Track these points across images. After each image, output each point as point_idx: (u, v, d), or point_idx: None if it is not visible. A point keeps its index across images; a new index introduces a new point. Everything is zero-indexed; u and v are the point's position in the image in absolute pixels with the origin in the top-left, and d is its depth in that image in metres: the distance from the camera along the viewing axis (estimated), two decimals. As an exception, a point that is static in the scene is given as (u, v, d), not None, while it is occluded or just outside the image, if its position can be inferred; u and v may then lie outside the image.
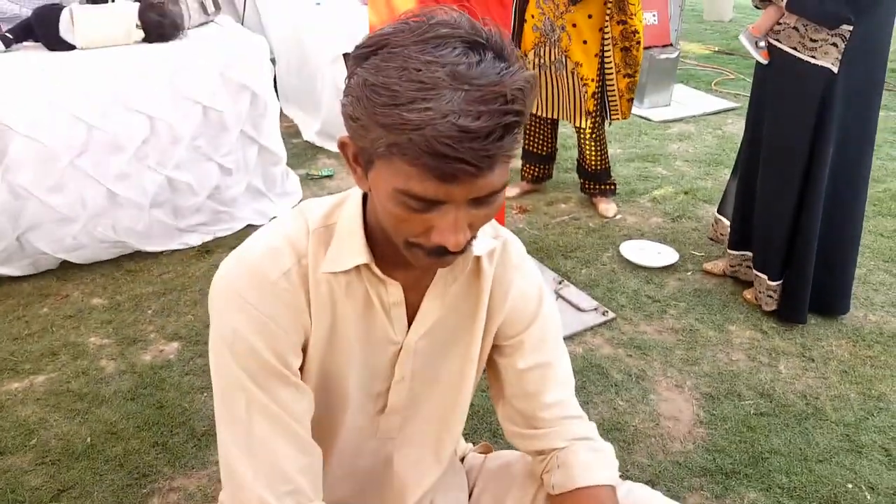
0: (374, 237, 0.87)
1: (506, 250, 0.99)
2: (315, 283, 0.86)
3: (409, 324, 0.93)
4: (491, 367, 1.05)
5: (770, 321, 2.50)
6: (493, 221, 0.93)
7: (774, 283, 2.46)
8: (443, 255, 0.77)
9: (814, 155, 2.28)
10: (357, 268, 0.87)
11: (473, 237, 0.79)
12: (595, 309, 2.56)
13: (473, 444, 1.27)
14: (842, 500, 1.75)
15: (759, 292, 2.53)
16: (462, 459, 1.19)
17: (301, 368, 0.89)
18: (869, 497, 1.76)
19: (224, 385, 0.86)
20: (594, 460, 0.98)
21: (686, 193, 3.56)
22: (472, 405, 1.07)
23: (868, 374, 2.23)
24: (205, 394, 2.14)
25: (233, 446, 0.85)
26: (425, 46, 0.68)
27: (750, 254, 2.59)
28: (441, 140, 0.66)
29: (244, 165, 3.15)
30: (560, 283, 2.69)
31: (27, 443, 1.95)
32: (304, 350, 0.89)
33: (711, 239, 2.90)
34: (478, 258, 0.94)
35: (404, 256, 0.81)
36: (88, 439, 1.96)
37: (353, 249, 0.86)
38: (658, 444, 1.95)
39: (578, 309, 2.54)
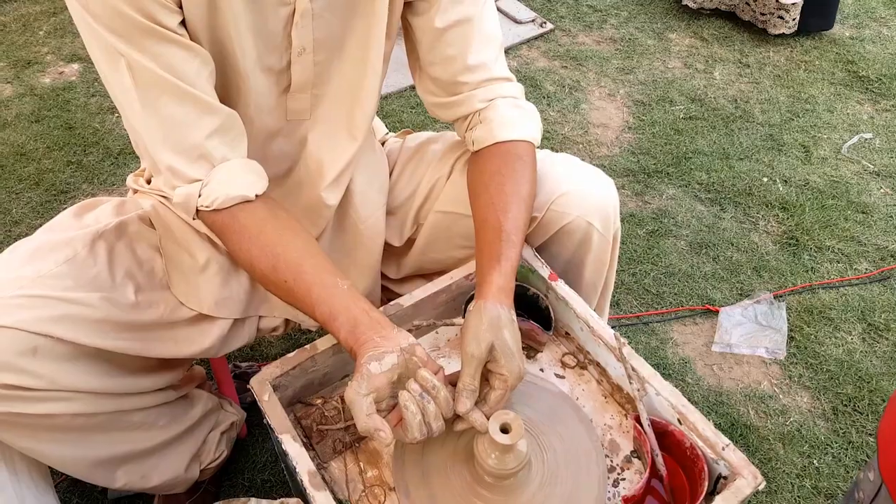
0: None
1: None
2: None
3: None
4: (406, 32, 0.97)
5: (710, 28, 2.45)
6: None
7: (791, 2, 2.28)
8: None
9: None
10: None
11: None
12: (533, 20, 2.44)
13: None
14: (755, 192, 1.87)
15: (763, 14, 2.34)
16: (383, 144, 1.17)
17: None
18: (781, 188, 1.89)
19: (99, 53, 0.77)
20: (517, 116, 0.95)
21: None
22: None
23: (801, 77, 2.26)
24: (115, 114, 2.04)
25: (131, 116, 0.79)
26: None
27: None
28: None
29: None
30: (497, -7, 2.53)
31: (-72, 167, 1.86)
32: (181, 8, 0.78)
33: None
34: None
35: None
36: (-4, 160, 1.88)
37: None
38: (585, 150, 2.00)
39: (515, 21, 2.42)
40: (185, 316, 0.95)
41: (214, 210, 0.82)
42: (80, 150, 1.92)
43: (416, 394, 0.74)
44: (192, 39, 0.79)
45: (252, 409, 1.29)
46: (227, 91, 0.86)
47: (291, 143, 0.96)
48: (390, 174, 1.11)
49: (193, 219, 0.84)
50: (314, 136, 0.97)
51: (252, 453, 1.30)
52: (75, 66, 2.21)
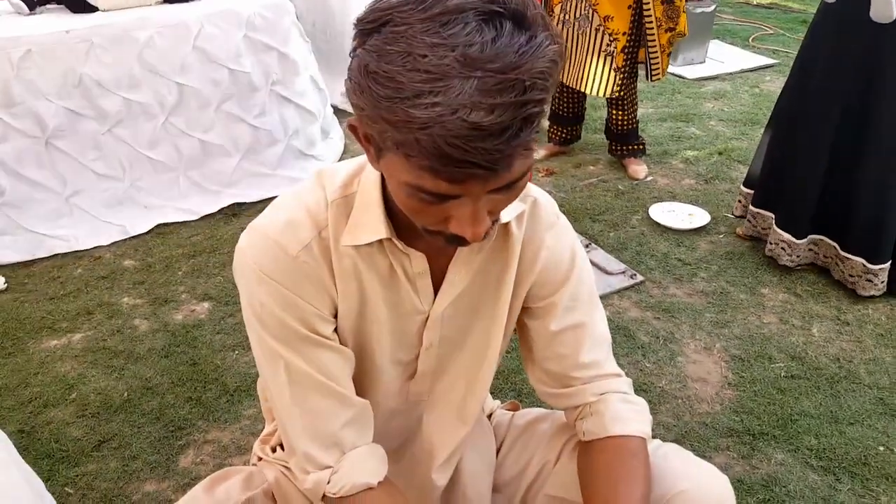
0: (395, 208, 0.83)
1: (535, 210, 0.96)
2: (337, 255, 0.87)
3: (436, 291, 0.93)
4: (521, 330, 1.05)
5: (804, 284, 2.49)
6: None
7: (876, 267, 2.32)
8: (464, 243, 0.74)
9: None
10: (380, 241, 0.86)
11: (496, 220, 0.77)
12: (623, 272, 2.57)
13: (500, 402, 1.31)
14: (872, 462, 1.77)
15: (852, 276, 2.38)
16: (490, 416, 1.22)
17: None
18: (900, 459, 1.78)
19: (261, 353, 0.90)
20: (627, 411, 0.99)
21: (720, 154, 3.52)
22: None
23: (905, 337, 2.23)
24: (236, 352, 2.22)
25: (280, 407, 0.91)
26: (432, 25, 0.60)
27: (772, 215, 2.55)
28: (450, 140, 0.60)
29: (280, 125, 3.20)
30: (587, 246, 2.70)
31: (67, 397, 2.06)
32: (335, 318, 0.92)
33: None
34: (505, 223, 0.92)
35: None
36: (125, 394, 2.06)
37: (371, 223, 0.84)
38: (685, 406, 1.99)
39: (606, 272, 2.56)
40: None
41: (341, 497, 0.89)
42: (200, 387, 2.08)
43: None
44: (339, 342, 0.92)
45: None
46: (361, 380, 0.97)
47: (409, 421, 1.05)
48: (498, 449, 1.16)
49: (320, 502, 0.92)
50: (429, 417, 1.05)
51: None
52: (206, 304, 2.47)
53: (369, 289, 0.90)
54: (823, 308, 2.38)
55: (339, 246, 0.87)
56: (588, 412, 1.01)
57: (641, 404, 1.02)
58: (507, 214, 0.90)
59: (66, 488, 1.74)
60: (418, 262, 0.90)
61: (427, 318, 0.95)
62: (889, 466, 1.75)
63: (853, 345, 2.21)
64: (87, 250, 2.82)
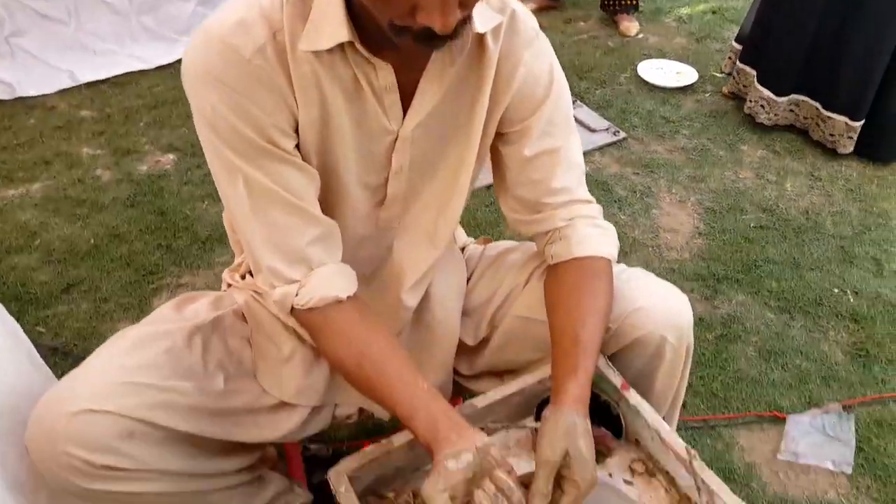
0: (358, 9, 0.79)
1: (514, 24, 0.92)
2: (295, 62, 0.82)
3: (405, 110, 0.90)
4: (494, 157, 1.05)
5: (783, 142, 2.53)
6: None
7: (857, 123, 2.37)
8: (432, 39, 0.72)
9: None
10: (341, 47, 0.82)
11: (468, 16, 0.75)
12: (606, 129, 2.57)
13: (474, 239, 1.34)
14: (826, 303, 1.88)
15: (832, 135, 2.42)
16: (462, 250, 1.25)
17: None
18: (852, 300, 1.89)
19: (219, 166, 0.88)
20: (595, 234, 1.02)
21: (714, 13, 3.44)
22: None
23: (873, 192, 2.30)
24: (206, 202, 2.22)
25: (242, 222, 0.90)
26: None
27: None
28: None
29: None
30: (573, 103, 2.67)
31: (31, 243, 2.06)
32: (297, 133, 0.89)
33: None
34: (480, 35, 0.88)
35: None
36: (91, 241, 2.07)
37: (332, 25, 0.79)
38: (654, 253, 2.06)
39: (589, 129, 2.55)
40: (267, 403, 1.05)
41: (309, 309, 0.91)
42: (170, 235, 2.10)
43: (491, 493, 0.79)
44: (303, 159, 0.90)
45: (318, 491, 1.34)
46: (328, 202, 0.96)
47: (379, 248, 1.07)
48: (469, 279, 1.20)
49: (288, 316, 0.94)
50: (399, 243, 1.07)
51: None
52: (171, 155, 2.44)
53: (332, 102, 0.86)
54: (799, 165, 2.43)
55: (296, 51, 0.82)
56: (557, 237, 1.03)
57: (609, 229, 1.05)
58: (482, 23, 0.86)
59: (38, 328, 1.79)
60: (385, 75, 0.85)
61: (396, 140, 0.93)
62: (840, 306, 1.87)
63: (823, 198, 2.28)
64: (37, 99, 2.73)
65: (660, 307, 1.00)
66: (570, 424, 0.84)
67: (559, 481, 0.85)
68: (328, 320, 0.92)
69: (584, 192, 1.05)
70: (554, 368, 0.93)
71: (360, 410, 1.15)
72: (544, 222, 1.03)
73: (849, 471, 1.47)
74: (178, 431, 0.91)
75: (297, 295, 0.91)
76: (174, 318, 1.03)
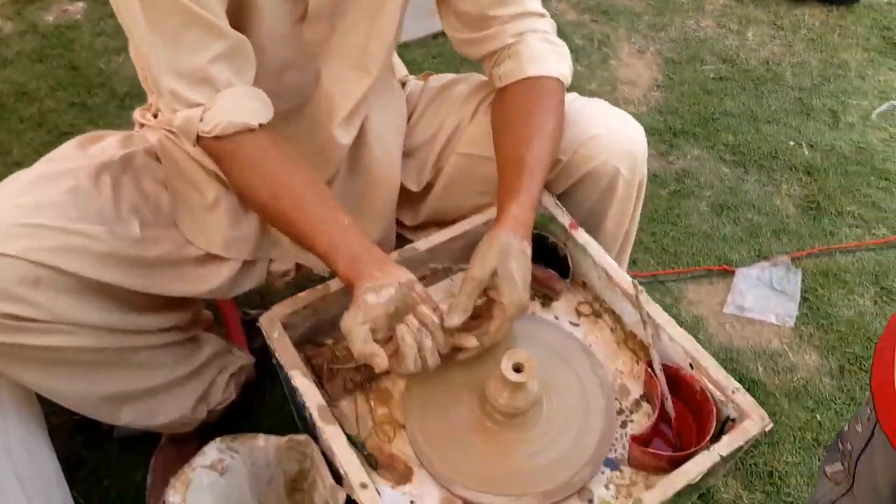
0: None
1: None
2: None
3: None
4: None
5: (747, -12, 2.44)
6: None
7: None
8: None
9: None
10: None
11: None
12: (561, -28, 2.42)
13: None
14: (780, 156, 1.88)
15: None
16: (404, 86, 1.16)
17: None
18: (807, 153, 1.90)
19: None
20: (547, 52, 0.96)
21: None
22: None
23: (834, 42, 2.26)
24: (122, 55, 2.05)
25: (138, 38, 0.80)
26: None
27: None
28: None
29: None
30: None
31: (-75, 104, 1.89)
32: None
33: None
34: None
35: None
36: (-3, 99, 1.91)
37: None
38: (610, 107, 2.01)
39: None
40: (192, 254, 0.98)
41: (216, 137, 0.83)
42: (84, 91, 1.95)
43: (415, 328, 0.78)
44: None
45: (261, 356, 1.33)
46: (240, 17, 0.86)
47: (305, 77, 0.97)
48: (410, 116, 1.12)
49: (194, 145, 0.85)
50: (328, 70, 0.97)
51: (259, 398, 1.35)
52: (80, 3, 2.23)
53: None
54: (761, 13, 2.36)
55: None
56: (506, 55, 0.96)
57: (562, 47, 0.98)
58: None
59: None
60: None
61: None
62: (795, 159, 1.88)
63: (784, 48, 2.23)
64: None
65: (615, 136, 0.96)
66: (505, 244, 0.82)
67: (489, 307, 0.84)
68: (239, 148, 0.84)
69: (535, 3, 0.97)
70: (498, 193, 0.90)
71: (298, 267, 1.10)
72: (492, 40, 0.96)
73: (791, 324, 1.52)
74: (91, 280, 0.85)
75: (201, 120, 0.82)
76: (77, 156, 0.94)
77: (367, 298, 0.77)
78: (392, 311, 0.78)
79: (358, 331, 0.76)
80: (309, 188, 0.84)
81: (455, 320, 0.81)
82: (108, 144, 0.98)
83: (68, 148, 0.96)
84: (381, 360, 0.75)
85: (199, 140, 0.84)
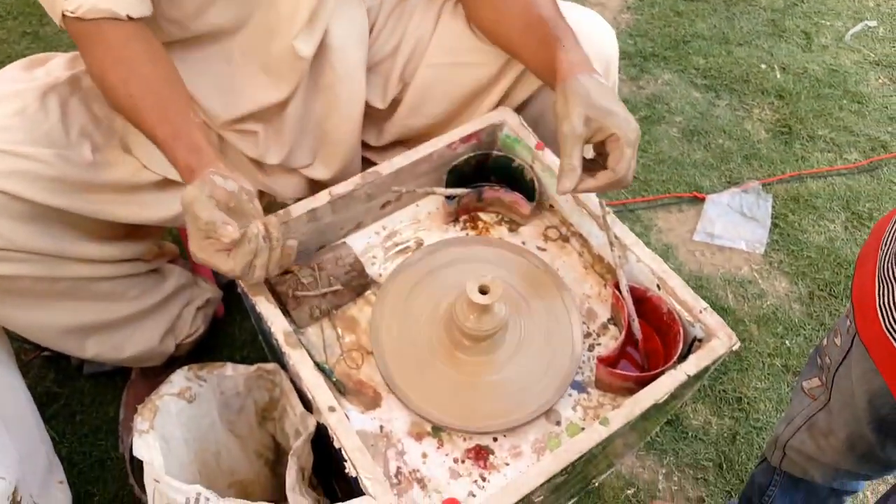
0: None
1: None
2: None
3: None
4: None
5: None
6: None
7: None
8: None
9: None
10: None
11: None
12: None
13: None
14: (752, 79, 1.85)
15: None
16: None
17: None
18: (779, 76, 1.87)
19: None
20: None
21: None
22: None
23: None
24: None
25: None
26: None
27: None
28: None
29: None
30: None
31: None
32: None
33: None
34: None
35: None
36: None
37: None
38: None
39: None
40: (149, 180, 0.94)
41: (79, 18, 0.77)
42: (35, 21, 1.85)
43: (261, 235, 0.75)
44: None
45: (229, 290, 1.31)
46: None
47: None
48: (371, 30, 1.06)
49: (60, 27, 0.80)
50: None
51: (229, 332, 1.33)
52: (25, -73, 2.09)
53: None
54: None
55: None
56: None
57: None
58: None
59: None
60: None
61: None
62: (767, 82, 1.85)
63: (757, -32, 2.17)
64: None
65: (586, 33, 0.90)
66: (582, 88, 0.76)
67: (600, 150, 0.79)
68: (101, 33, 0.78)
69: None
70: (536, 60, 0.87)
71: (261, 194, 1.07)
72: None
73: (761, 250, 1.52)
74: (42, 205, 0.82)
75: None
76: (22, 77, 0.89)
77: (213, 178, 0.73)
78: (232, 206, 0.74)
79: (204, 200, 0.71)
80: (164, 81, 0.80)
81: (567, 184, 0.76)
82: (54, 65, 0.92)
83: (13, 70, 0.91)
84: (231, 230, 0.70)
85: (64, 19, 0.78)
